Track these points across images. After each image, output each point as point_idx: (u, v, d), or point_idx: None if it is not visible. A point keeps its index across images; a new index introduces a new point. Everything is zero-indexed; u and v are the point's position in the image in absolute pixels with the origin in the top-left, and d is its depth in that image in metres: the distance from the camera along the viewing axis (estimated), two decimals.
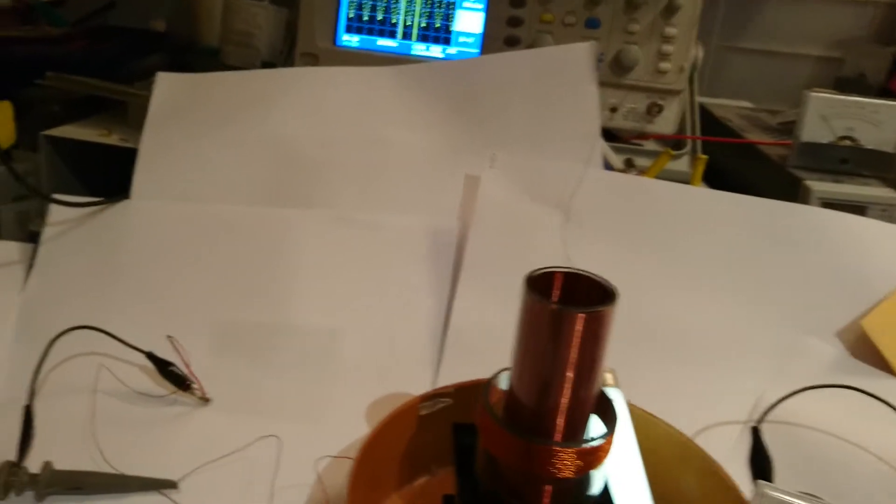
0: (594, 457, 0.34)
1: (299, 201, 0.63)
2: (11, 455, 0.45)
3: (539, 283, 0.34)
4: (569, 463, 0.34)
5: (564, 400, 0.34)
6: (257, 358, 0.56)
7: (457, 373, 0.55)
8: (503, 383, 0.37)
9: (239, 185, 0.64)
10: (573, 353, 0.33)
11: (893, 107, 0.63)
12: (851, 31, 0.99)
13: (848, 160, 0.64)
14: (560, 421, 0.34)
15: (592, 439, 0.34)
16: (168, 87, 0.68)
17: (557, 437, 0.34)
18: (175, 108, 0.67)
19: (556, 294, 0.35)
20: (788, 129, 0.79)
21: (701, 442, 0.44)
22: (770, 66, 1.02)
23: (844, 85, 0.94)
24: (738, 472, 0.47)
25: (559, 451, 0.34)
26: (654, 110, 0.78)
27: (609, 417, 0.36)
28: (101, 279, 0.59)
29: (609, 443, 0.35)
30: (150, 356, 0.52)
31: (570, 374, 0.33)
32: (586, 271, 0.34)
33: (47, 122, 0.74)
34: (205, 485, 0.45)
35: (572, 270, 0.35)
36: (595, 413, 0.36)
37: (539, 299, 0.33)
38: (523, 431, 0.34)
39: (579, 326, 0.32)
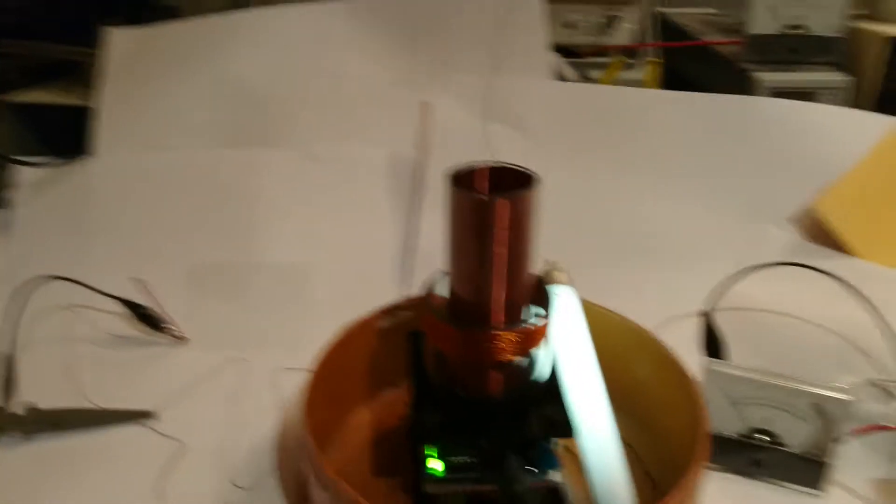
0: (531, 338, 0.36)
1: (262, 140, 0.64)
2: None
3: (464, 180, 0.35)
4: (507, 345, 0.35)
5: (498, 287, 0.35)
6: (232, 296, 0.57)
7: None
8: (441, 285, 0.38)
9: (201, 130, 0.65)
10: (501, 240, 0.34)
11: None
12: None
13: (797, 49, 0.64)
14: (496, 308, 0.36)
15: (527, 321, 0.36)
16: (122, 42, 0.68)
17: (495, 322, 0.36)
18: (131, 62, 0.68)
19: (483, 187, 0.36)
20: None
21: (659, 333, 0.46)
22: None
23: None
24: (696, 359, 0.49)
25: (497, 335, 0.35)
26: (612, 22, 0.78)
27: (545, 304, 0.37)
28: (73, 234, 0.60)
29: (545, 325, 0.36)
30: (124, 301, 0.54)
31: (500, 262, 0.34)
32: (508, 163, 0.35)
33: (6, 88, 0.75)
34: (183, 413, 0.47)
35: (495, 164, 0.36)
36: (533, 303, 0.37)
37: (464, 191, 0.34)
38: (465, 323, 0.36)
39: (502, 212, 0.33)
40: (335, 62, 0.67)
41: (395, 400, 0.48)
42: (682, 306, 0.55)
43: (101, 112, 0.65)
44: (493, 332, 0.35)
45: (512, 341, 0.35)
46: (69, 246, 0.60)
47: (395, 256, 0.60)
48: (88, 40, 0.81)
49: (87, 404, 0.47)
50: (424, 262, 0.59)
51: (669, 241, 0.58)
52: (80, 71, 0.74)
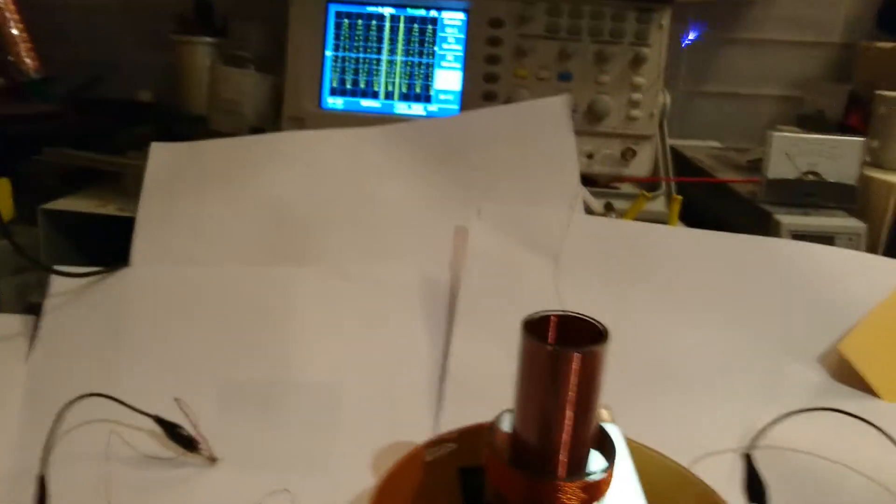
0: (597, 489, 0.36)
1: (294, 259, 0.65)
2: None
3: (535, 327, 0.37)
4: (573, 497, 0.36)
5: (565, 437, 0.36)
6: (262, 415, 0.57)
7: (458, 417, 0.56)
8: (507, 424, 0.39)
9: (236, 247, 0.66)
10: (571, 392, 0.35)
11: (851, 142, 0.67)
12: (808, 71, 1.05)
13: (813, 193, 0.68)
14: (563, 457, 0.36)
15: (594, 473, 0.36)
16: (162, 156, 0.71)
17: (561, 472, 0.36)
18: (170, 177, 0.69)
19: (551, 336, 0.37)
20: (757, 166, 0.83)
21: (696, 471, 0.46)
22: (734, 106, 1.07)
23: (805, 122, 0.98)
24: (735, 499, 0.49)
25: (563, 486, 0.35)
26: (628, 155, 0.82)
27: (608, 451, 0.38)
28: (104, 346, 0.60)
29: (610, 476, 0.37)
30: (158, 420, 0.53)
31: (569, 412, 0.35)
32: (579, 313, 0.37)
33: (43, 195, 0.76)
34: None
35: (566, 313, 0.37)
36: (595, 448, 0.38)
37: (536, 341, 0.35)
38: (529, 469, 0.36)
39: (575, 366, 0.35)
40: (368, 185, 0.70)
41: None
42: (714, 442, 0.55)
43: (139, 224, 0.66)
44: (559, 482, 0.36)
45: (578, 493, 0.36)
46: (99, 357, 0.60)
47: (425, 376, 0.61)
48: (123, 148, 0.84)
49: None
50: (456, 386, 0.59)
51: (696, 374, 0.59)
52: (117, 180, 0.76)
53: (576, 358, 0.34)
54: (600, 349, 0.35)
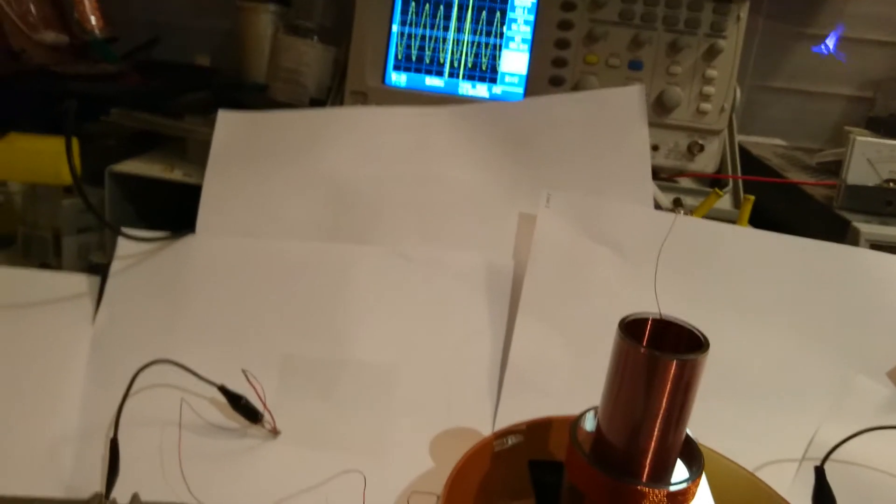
0: (682, 499, 0.36)
1: (357, 238, 0.65)
2: (96, 486, 0.46)
3: (631, 328, 0.36)
4: (656, 503, 0.35)
5: (654, 443, 0.35)
6: (321, 391, 0.57)
7: (516, 407, 0.56)
8: (589, 423, 0.39)
9: (299, 222, 0.65)
10: (665, 398, 0.34)
11: None
12: (882, 72, 1.02)
13: (893, 202, 0.66)
14: (649, 462, 0.36)
15: (680, 482, 0.36)
16: (229, 124, 0.70)
17: (646, 478, 0.36)
18: (236, 146, 0.69)
19: (647, 339, 0.37)
20: (827, 168, 0.81)
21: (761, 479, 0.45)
22: (801, 104, 1.04)
23: (877, 125, 0.95)
24: None
25: (649, 492, 0.35)
26: (695, 149, 0.80)
27: (694, 461, 0.37)
28: (169, 312, 0.60)
29: (696, 485, 0.36)
30: (223, 390, 0.54)
31: (660, 418, 0.35)
32: (678, 319, 0.36)
33: (104, 156, 0.76)
34: None
35: (664, 317, 0.36)
36: (681, 459, 0.37)
37: (632, 343, 0.34)
38: (611, 470, 0.36)
39: (672, 372, 0.34)
40: (434, 166, 0.69)
41: None
42: (778, 451, 0.54)
43: (205, 191, 0.66)
44: (644, 488, 0.35)
45: (662, 500, 0.35)
46: (163, 323, 0.60)
47: (484, 364, 0.60)
48: (181, 113, 0.83)
49: (188, 497, 0.47)
50: (515, 376, 0.59)
51: (762, 380, 0.58)
52: (180, 145, 0.76)
53: (673, 365, 0.34)
54: (699, 358, 0.34)
